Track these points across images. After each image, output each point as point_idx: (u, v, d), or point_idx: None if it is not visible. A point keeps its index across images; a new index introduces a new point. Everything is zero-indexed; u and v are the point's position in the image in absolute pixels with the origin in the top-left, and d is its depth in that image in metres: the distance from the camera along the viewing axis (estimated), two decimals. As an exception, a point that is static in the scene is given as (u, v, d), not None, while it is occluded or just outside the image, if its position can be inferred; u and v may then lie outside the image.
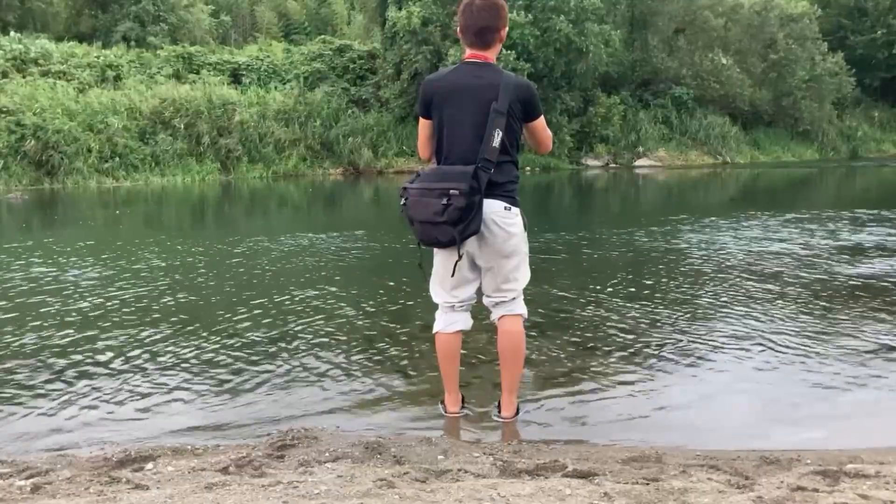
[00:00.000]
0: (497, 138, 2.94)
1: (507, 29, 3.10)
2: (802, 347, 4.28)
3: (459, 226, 2.90)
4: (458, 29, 3.11)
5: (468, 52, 3.08)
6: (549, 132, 3.23)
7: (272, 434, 3.07)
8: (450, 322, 3.22)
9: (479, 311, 3.34)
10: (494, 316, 3.22)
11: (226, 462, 2.73)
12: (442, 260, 3.16)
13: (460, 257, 3.01)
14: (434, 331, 3.27)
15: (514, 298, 3.16)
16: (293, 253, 7.85)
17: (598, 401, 3.53)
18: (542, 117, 3.14)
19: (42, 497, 2.43)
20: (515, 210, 3.05)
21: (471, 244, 3.04)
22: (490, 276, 3.14)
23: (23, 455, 2.93)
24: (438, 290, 3.23)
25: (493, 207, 2.99)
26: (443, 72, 3.16)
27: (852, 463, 2.67)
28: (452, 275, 3.08)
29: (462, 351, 3.37)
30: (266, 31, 32.84)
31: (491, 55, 3.07)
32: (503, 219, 3.01)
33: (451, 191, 2.87)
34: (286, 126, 21.51)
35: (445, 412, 3.33)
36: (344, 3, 34.26)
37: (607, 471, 2.62)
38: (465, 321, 3.24)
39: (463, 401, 3.36)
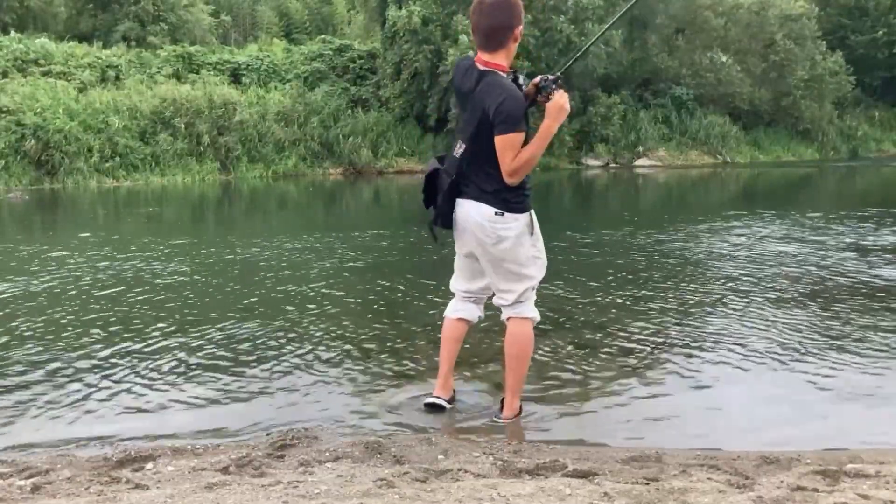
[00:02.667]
0: (458, 149, 3.05)
1: (521, 27, 3.04)
2: (803, 347, 4.28)
3: (433, 213, 3.18)
4: (471, 28, 3.09)
5: (479, 53, 3.06)
6: (508, 158, 2.93)
7: (272, 434, 3.08)
8: (454, 309, 3.37)
9: (490, 307, 3.37)
10: (504, 317, 3.27)
11: (226, 462, 2.73)
12: (456, 253, 3.31)
13: (434, 238, 3.26)
14: (444, 314, 3.43)
15: (520, 301, 3.18)
16: (296, 253, 7.85)
17: (598, 401, 3.53)
18: (504, 136, 2.91)
19: (42, 497, 2.43)
20: (510, 216, 3.05)
21: (469, 244, 3.16)
22: (489, 277, 3.20)
23: (23, 455, 2.93)
24: (453, 278, 3.41)
25: (481, 211, 3.06)
26: (463, 64, 3.15)
27: (852, 463, 2.67)
28: (435, 240, 3.32)
29: (468, 349, 3.38)
30: (266, 31, 32.81)
31: (500, 58, 3.03)
32: (492, 223, 3.05)
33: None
34: (286, 126, 21.48)
35: (430, 395, 3.37)
36: (346, 3, 34.18)
37: (607, 471, 2.63)
38: (469, 311, 3.35)
39: (454, 395, 3.41)
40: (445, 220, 3.15)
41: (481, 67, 3.03)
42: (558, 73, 3.14)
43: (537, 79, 3.11)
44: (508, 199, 3.05)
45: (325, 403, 3.52)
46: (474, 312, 3.36)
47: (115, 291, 5.95)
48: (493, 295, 3.27)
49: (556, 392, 3.62)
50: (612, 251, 7.79)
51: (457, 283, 3.37)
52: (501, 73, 3.03)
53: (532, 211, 3.13)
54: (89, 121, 18.93)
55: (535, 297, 3.24)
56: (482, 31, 3.00)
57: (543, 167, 22.59)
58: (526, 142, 2.98)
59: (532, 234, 3.13)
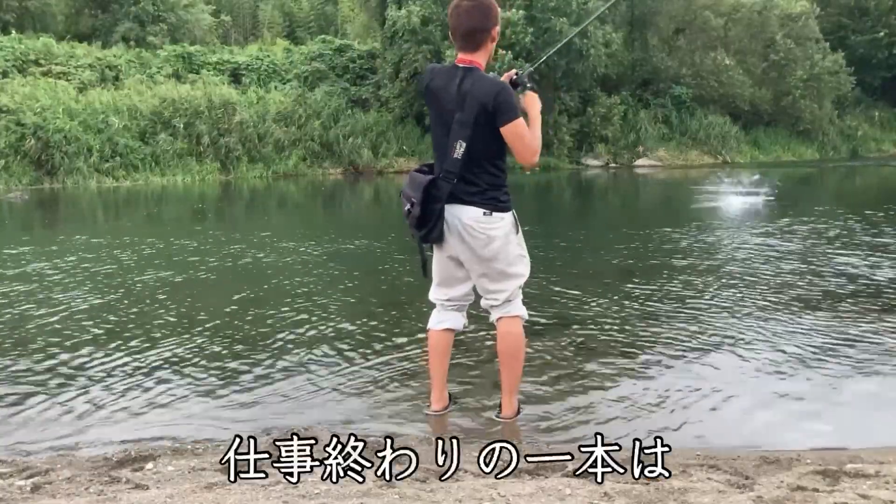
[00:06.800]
0: (459, 149, 2.98)
1: (498, 27, 3.05)
2: (803, 347, 4.28)
3: (422, 231, 3.05)
4: (450, 31, 3.11)
5: (458, 55, 3.07)
6: (526, 141, 2.99)
7: (272, 434, 3.07)
8: (439, 320, 3.30)
9: (480, 309, 3.35)
10: (493, 318, 3.25)
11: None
12: (435, 259, 3.24)
13: (424, 261, 3.20)
14: (427, 327, 3.35)
15: (509, 300, 3.17)
16: (301, 254, 7.85)
17: (598, 401, 3.53)
18: (513, 123, 2.95)
19: (42, 497, 2.43)
20: (498, 215, 3.05)
21: (455, 248, 3.11)
22: (477, 279, 3.18)
23: (23, 455, 2.93)
24: (433, 287, 3.33)
25: (470, 213, 3.03)
26: (439, 68, 3.18)
27: (852, 463, 2.67)
28: (424, 275, 3.25)
29: (464, 351, 3.38)
30: (269, 30, 32.80)
31: (480, 57, 3.04)
32: (481, 224, 3.03)
33: (412, 199, 3.02)
34: (286, 126, 21.50)
35: (428, 409, 3.35)
36: (351, 2, 34.10)
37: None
38: (454, 321, 3.29)
39: (450, 399, 3.39)
40: (440, 234, 3.06)
41: (464, 66, 3.03)
42: (531, 68, 3.35)
43: (511, 72, 3.22)
44: (496, 198, 3.05)
45: (324, 403, 3.52)
46: (459, 321, 3.31)
47: (116, 291, 5.95)
48: (480, 298, 3.24)
49: (555, 392, 3.62)
50: (612, 251, 7.79)
51: (438, 293, 3.29)
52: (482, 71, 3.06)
53: (514, 210, 3.14)
54: (89, 121, 18.95)
55: (521, 296, 3.23)
56: (460, 33, 3.02)
57: (543, 167, 22.60)
58: None
59: (517, 232, 3.13)
